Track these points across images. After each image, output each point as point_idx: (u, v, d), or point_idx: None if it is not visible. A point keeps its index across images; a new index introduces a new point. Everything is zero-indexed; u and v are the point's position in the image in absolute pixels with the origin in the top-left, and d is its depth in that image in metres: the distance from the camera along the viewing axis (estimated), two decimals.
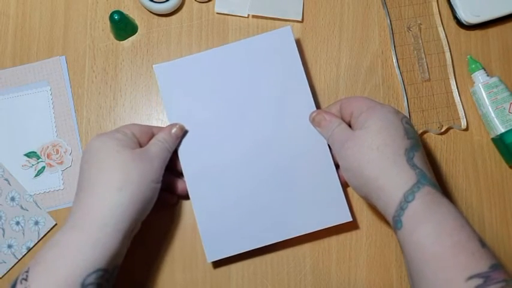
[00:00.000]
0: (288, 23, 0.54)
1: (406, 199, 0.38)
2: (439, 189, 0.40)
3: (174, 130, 0.46)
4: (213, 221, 0.46)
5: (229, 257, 0.49)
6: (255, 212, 0.47)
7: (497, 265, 0.36)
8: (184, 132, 0.48)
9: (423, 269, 0.37)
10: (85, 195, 0.40)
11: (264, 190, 0.47)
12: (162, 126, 0.49)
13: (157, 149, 0.44)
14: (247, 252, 0.48)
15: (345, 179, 0.45)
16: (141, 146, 0.45)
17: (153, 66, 0.49)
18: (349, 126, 0.45)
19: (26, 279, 0.37)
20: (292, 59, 0.49)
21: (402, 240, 0.39)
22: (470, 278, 0.35)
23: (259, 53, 0.49)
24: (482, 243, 0.37)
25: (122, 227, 0.39)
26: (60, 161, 0.52)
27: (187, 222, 0.50)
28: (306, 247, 0.50)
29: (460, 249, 0.36)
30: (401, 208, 0.38)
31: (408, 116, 0.52)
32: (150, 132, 0.46)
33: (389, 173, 0.39)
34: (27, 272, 0.37)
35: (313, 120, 0.47)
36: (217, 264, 0.50)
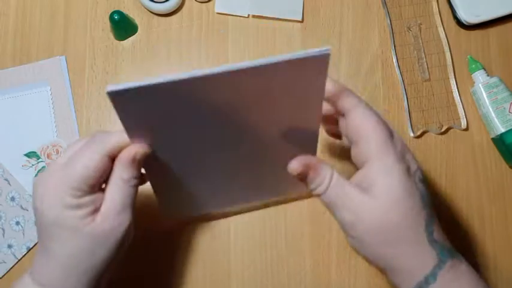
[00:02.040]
0: (289, 23, 0.54)
1: (427, 281, 0.34)
2: (457, 256, 0.36)
3: (137, 156, 0.35)
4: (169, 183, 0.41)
5: (229, 257, 0.49)
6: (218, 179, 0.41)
7: None
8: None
9: None
10: (50, 263, 0.36)
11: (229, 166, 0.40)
12: None
13: (123, 201, 0.36)
14: (247, 252, 0.48)
15: (346, 237, 0.37)
16: (95, 188, 0.35)
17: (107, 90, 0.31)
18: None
19: None
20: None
21: None
22: None
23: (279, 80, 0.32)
24: None
25: None
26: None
27: (187, 222, 0.50)
28: (306, 247, 0.50)
29: None
30: None
31: (408, 115, 0.52)
32: (106, 162, 0.35)
33: (408, 255, 0.34)
34: None
35: (293, 173, 0.36)
36: (217, 264, 0.50)
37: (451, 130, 0.53)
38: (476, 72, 0.52)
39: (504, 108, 0.51)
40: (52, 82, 0.53)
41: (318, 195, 0.36)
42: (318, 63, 0.31)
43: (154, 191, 0.42)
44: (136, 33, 0.54)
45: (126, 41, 0.54)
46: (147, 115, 0.33)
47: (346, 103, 0.35)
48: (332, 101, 0.36)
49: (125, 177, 0.35)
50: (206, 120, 0.34)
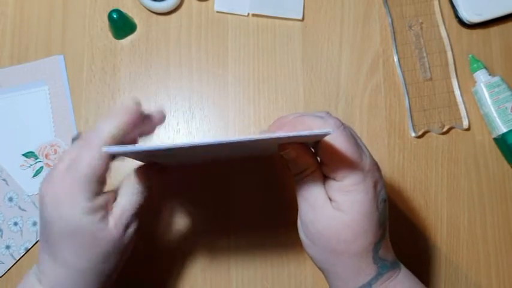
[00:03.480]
0: (289, 21, 0.54)
1: None
2: (397, 265, 0.38)
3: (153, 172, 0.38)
4: None
5: (229, 256, 0.49)
6: None
7: None
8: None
9: None
10: (64, 273, 0.36)
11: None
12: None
13: (133, 210, 0.37)
14: (247, 253, 0.48)
15: (299, 231, 0.40)
16: (104, 185, 0.36)
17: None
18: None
19: None
20: None
21: None
22: None
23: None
24: None
25: None
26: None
27: (187, 222, 0.50)
28: None
29: None
30: None
31: (410, 115, 0.52)
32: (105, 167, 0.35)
33: (349, 266, 0.36)
34: None
35: (285, 156, 0.38)
36: (218, 264, 0.49)
37: (453, 130, 0.52)
38: (478, 71, 0.52)
39: (506, 107, 0.50)
40: (50, 81, 0.53)
41: (296, 181, 0.38)
42: (318, 137, 0.35)
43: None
44: (135, 32, 0.54)
45: (124, 40, 0.54)
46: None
47: (314, 127, 0.36)
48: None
49: (140, 188, 0.37)
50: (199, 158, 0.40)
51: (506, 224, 0.51)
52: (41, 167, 0.51)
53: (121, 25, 0.52)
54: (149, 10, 0.54)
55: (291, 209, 0.51)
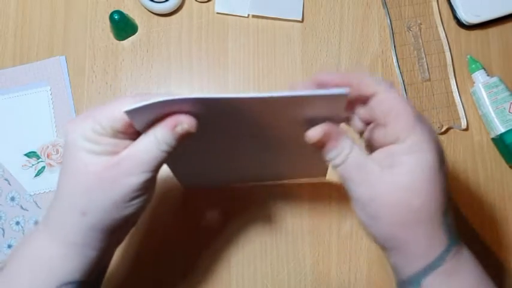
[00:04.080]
0: (289, 22, 0.54)
1: (434, 265, 0.33)
2: (460, 240, 0.36)
3: (178, 129, 0.32)
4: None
5: (230, 256, 0.49)
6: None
7: None
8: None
9: None
10: (56, 195, 0.34)
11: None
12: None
13: (145, 156, 0.32)
14: (247, 252, 0.48)
15: (355, 211, 0.35)
16: (125, 136, 0.33)
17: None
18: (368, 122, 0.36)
19: None
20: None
21: None
22: None
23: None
24: None
25: (95, 245, 0.33)
26: (60, 161, 0.52)
27: (187, 221, 0.50)
28: (306, 247, 0.50)
29: None
30: (425, 272, 0.34)
31: None
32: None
33: (421, 238, 0.33)
34: (1, 270, 0.33)
35: (312, 140, 0.34)
36: (218, 264, 0.50)
37: (451, 130, 0.53)
38: (476, 72, 0.52)
39: (504, 108, 0.51)
40: (52, 82, 0.53)
41: (336, 167, 0.34)
42: (336, 99, 0.32)
43: (170, 167, 0.41)
44: (137, 33, 0.54)
45: (126, 41, 0.54)
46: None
47: (370, 89, 0.34)
48: (353, 90, 0.34)
49: (158, 136, 0.32)
50: (229, 128, 0.35)
51: (505, 224, 0.51)
52: (43, 167, 0.52)
53: (122, 26, 0.52)
54: (150, 11, 0.54)
55: (291, 208, 0.51)
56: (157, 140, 0.32)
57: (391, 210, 0.32)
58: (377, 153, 0.34)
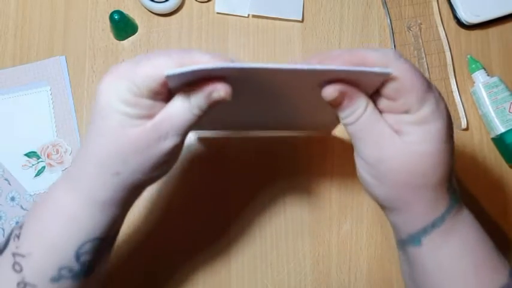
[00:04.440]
0: (289, 22, 0.54)
1: (434, 225, 0.34)
2: (460, 199, 0.37)
3: (215, 95, 0.31)
4: None
5: (230, 256, 0.49)
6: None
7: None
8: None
9: (442, 285, 0.35)
10: (83, 155, 0.34)
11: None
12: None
13: (178, 120, 0.32)
14: (247, 252, 0.48)
15: (358, 170, 0.36)
16: (159, 97, 0.33)
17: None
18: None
19: (18, 237, 0.33)
20: None
21: (415, 257, 0.36)
22: None
23: None
24: (498, 253, 0.37)
25: (120, 202, 0.34)
26: (60, 161, 0.52)
27: (187, 221, 0.51)
28: (306, 247, 0.50)
29: (483, 265, 0.35)
30: (425, 231, 0.35)
31: None
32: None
33: (424, 199, 0.34)
34: (21, 227, 0.34)
35: (328, 97, 0.33)
36: (218, 264, 0.50)
37: None
38: (477, 72, 0.52)
39: (504, 108, 0.51)
40: (52, 82, 0.53)
41: (347, 125, 0.34)
42: (376, 78, 0.32)
43: None
44: (137, 33, 0.54)
45: (126, 41, 0.54)
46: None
47: (378, 62, 0.33)
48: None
49: (192, 100, 0.32)
50: (255, 89, 0.35)
51: (505, 224, 0.51)
52: (43, 167, 0.52)
53: (122, 26, 0.52)
54: (150, 11, 0.54)
55: (291, 208, 0.51)
56: (191, 104, 0.32)
57: (398, 174, 0.33)
58: (386, 118, 0.34)
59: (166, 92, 0.32)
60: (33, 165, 0.52)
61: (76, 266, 0.34)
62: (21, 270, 0.33)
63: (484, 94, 0.51)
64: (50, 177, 0.52)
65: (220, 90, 0.31)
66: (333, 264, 0.50)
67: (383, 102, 0.33)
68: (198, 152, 0.52)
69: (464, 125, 0.52)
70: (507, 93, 0.51)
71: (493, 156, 0.52)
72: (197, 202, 0.51)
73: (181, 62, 0.31)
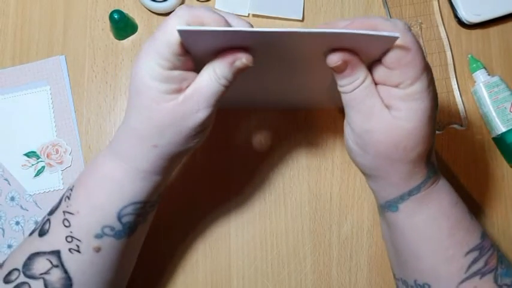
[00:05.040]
0: (289, 22, 0.54)
1: (411, 193, 0.37)
2: (438, 171, 0.39)
3: (237, 63, 0.34)
4: None
5: (230, 257, 0.49)
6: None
7: (484, 233, 0.39)
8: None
9: (419, 249, 0.38)
10: (124, 130, 0.37)
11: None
12: None
13: (208, 92, 0.34)
14: (247, 252, 0.48)
15: (346, 137, 0.38)
16: (184, 60, 0.35)
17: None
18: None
19: (69, 198, 0.37)
20: None
21: (394, 221, 0.39)
22: (468, 252, 0.37)
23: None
24: (471, 215, 0.39)
25: (161, 170, 0.37)
26: (60, 161, 0.52)
27: (187, 220, 0.50)
28: (307, 247, 0.50)
29: (456, 228, 0.38)
30: (402, 198, 0.37)
31: None
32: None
33: (403, 171, 0.36)
34: (71, 190, 0.38)
35: (331, 64, 0.34)
36: (218, 264, 0.50)
37: (452, 129, 0.53)
38: (477, 71, 0.52)
39: (505, 107, 0.51)
40: (52, 82, 0.53)
41: (344, 93, 0.36)
42: (383, 43, 0.32)
43: None
44: (136, 33, 0.54)
45: (126, 40, 0.54)
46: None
47: (388, 30, 0.33)
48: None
49: (217, 71, 0.34)
50: (269, 56, 0.36)
51: (506, 223, 0.51)
52: (43, 167, 0.52)
53: (122, 26, 0.52)
54: (150, 11, 0.54)
55: (291, 208, 0.51)
56: (217, 75, 0.34)
57: (382, 146, 0.35)
58: (380, 90, 0.35)
59: (189, 58, 0.34)
60: (32, 165, 0.52)
61: (118, 226, 0.37)
62: (69, 225, 0.37)
63: (484, 93, 0.51)
64: (49, 177, 0.51)
65: (242, 58, 0.33)
66: (333, 264, 0.50)
67: (380, 72, 0.35)
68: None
69: (465, 124, 0.52)
70: (508, 92, 0.51)
71: (493, 156, 0.52)
72: (197, 198, 0.51)
73: (188, 21, 0.33)
